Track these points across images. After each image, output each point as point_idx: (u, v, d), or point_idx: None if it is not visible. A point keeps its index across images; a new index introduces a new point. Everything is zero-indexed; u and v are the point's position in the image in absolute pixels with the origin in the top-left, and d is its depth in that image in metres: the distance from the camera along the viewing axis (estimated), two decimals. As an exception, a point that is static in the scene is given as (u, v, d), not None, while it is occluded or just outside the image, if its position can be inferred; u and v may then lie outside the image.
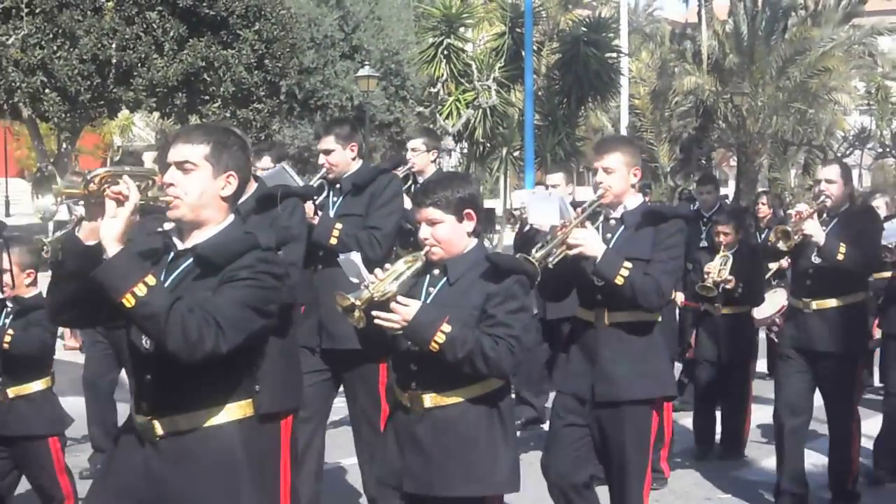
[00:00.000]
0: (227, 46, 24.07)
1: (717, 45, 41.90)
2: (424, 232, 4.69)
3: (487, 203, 29.29)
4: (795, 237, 7.28)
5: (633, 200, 5.89)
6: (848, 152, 48.05)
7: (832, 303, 7.53)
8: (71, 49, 22.54)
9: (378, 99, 35.17)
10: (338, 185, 7.28)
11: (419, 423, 4.70)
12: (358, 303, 4.48)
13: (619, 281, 5.54)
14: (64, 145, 26.95)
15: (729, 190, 47.73)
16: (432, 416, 4.68)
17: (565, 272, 5.74)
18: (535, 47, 23.78)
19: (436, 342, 4.46)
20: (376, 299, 4.49)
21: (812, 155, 45.36)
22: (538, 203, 7.69)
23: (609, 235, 5.82)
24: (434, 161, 9.02)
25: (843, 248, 7.21)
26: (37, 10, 22.60)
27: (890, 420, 8.57)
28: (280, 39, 24.91)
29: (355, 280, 4.70)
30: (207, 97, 24.34)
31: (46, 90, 22.61)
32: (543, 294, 6.17)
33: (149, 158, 43.56)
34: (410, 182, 8.97)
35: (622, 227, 5.84)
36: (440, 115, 24.57)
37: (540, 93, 24.82)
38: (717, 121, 41.74)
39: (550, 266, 5.52)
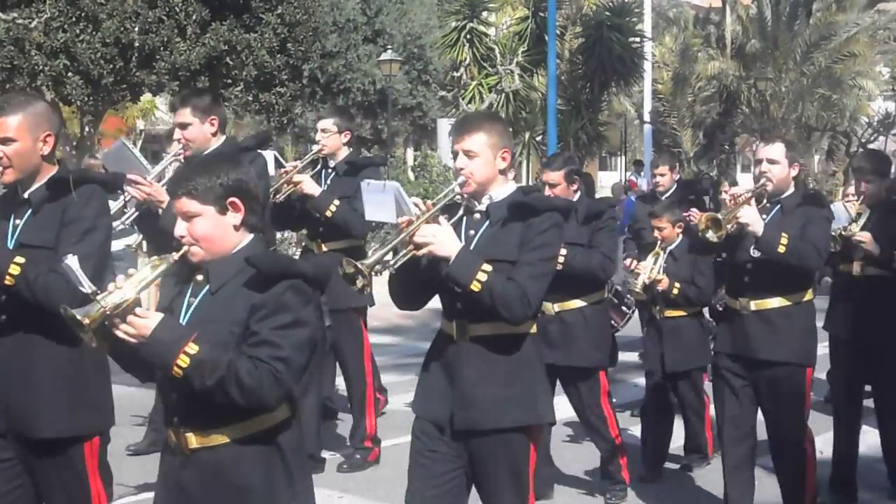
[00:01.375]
0: (250, 30, 24.02)
1: (741, 30, 41.69)
2: (180, 228, 3.95)
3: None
4: (728, 226, 6.30)
5: (501, 190, 4.97)
6: (872, 138, 47.80)
7: (774, 302, 6.56)
8: (94, 32, 22.52)
9: (400, 83, 35.20)
10: None
11: (184, 467, 3.96)
12: (86, 321, 3.69)
13: (474, 287, 4.63)
14: (86, 129, 27.00)
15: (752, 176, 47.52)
16: (198, 460, 3.92)
17: (419, 276, 4.88)
18: (558, 31, 23.61)
19: (178, 367, 3.71)
20: (109, 313, 3.70)
21: (836, 141, 45.18)
22: (372, 196, 6.76)
23: (472, 232, 4.95)
24: (347, 143, 8.32)
25: (784, 240, 6.29)
26: (59, -6, 22.65)
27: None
28: (302, 23, 24.84)
29: (83, 290, 3.89)
30: (230, 81, 24.32)
31: (69, 74, 22.61)
32: (396, 302, 5.16)
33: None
34: (320, 166, 8.40)
35: (486, 223, 4.94)
36: (463, 99, 24.46)
37: (563, 77, 24.67)
38: (740, 106, 41.53)
39: (392, 270, 4.73)
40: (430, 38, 34.50)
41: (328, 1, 32.31)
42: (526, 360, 4.89)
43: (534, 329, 4.94)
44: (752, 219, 6.31)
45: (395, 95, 34.68)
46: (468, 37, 24.15)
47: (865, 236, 7.36)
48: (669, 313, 8.40)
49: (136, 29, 22.76)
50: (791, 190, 6.70)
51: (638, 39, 25.58)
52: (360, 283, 4.56)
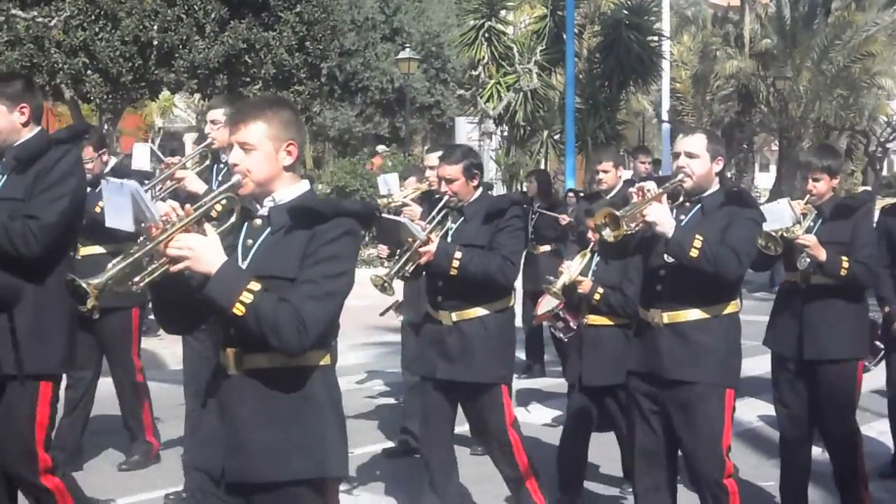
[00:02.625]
0: (268, 28, 24.07)
1: (760, 29, 41.62)
2: None
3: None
4: (632, 225, 5.57)
5: (289, 191, 4.13)
6: (891, 137, 47.67)
7: (690, 315, 5.73)
8: (113, 31, 22.61)
9: (419, 81, 35.25)
10: (3, 160, 5.75)
11: None
12: None
13: (237, 311, 3.78)
14: (105, 126, 27.05)
15: (771, 175, 47.52)
16: None
17: (183, 293, 3.96)
18: (576, 30, 23.65)
19: None
20: None
21: (855, 140, 45.07)
22: (112, 197, 5.34)
23: (250, 241, 4.11)
24: None
25: (697, 243, 5.50)
26: (79, -8, 22.73)
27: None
28: (321, 21, 24.88)
29: None
30: (248, 79, 24.38)
31: (88, 72, 22.69)
32: (160, 324, 4.30)
33: (189, 140, 43.74)
34: (210, 160, 7.66)
35: (267, 230, 4.10)
36: (481, 97, 24.54)
37: (581, 76, 24.70)
38: (758, 105, 41.44)
39: (136, 289, 3.83)
40: (448, 37, 34.53)
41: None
42: (313, 399, 4.03)
43: (326, 360, 4.09)
44: (661, 218, 5.58)
45: (414, 94, 34.73)
46: (486, 35, 24.23)
47: (810, 239, 6.70)
48: (592, 320, 7.47)
49: (155, 27, 22.83)
50: (715, 188, 5.92)
51: (656, 38, 25.62)
52: (89, 303, 3.70)
